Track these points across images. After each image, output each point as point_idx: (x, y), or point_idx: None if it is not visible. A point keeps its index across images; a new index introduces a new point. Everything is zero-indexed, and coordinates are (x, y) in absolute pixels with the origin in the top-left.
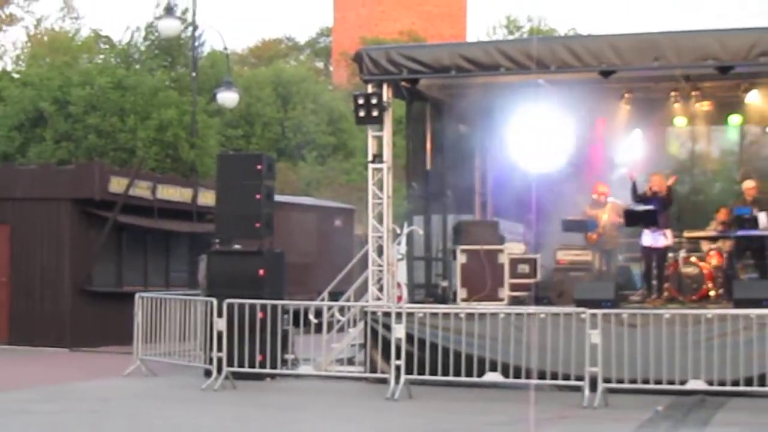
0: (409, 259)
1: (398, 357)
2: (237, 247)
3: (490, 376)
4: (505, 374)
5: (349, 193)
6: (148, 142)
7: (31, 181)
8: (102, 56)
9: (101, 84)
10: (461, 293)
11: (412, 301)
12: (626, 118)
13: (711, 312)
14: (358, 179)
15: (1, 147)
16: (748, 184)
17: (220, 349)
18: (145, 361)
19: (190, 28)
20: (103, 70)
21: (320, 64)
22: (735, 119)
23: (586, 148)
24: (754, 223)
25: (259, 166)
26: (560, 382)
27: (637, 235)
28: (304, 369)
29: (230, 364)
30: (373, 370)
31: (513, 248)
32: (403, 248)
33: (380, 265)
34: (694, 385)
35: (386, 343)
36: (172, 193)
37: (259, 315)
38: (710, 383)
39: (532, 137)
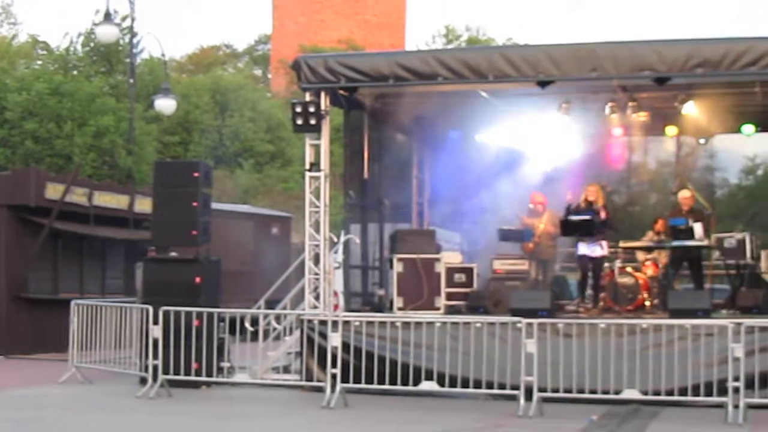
0: (345, 267)
1: (334, 365)
2: (173, 254)
3: (426, 385)
4: (441, 383)
5: (286, 201)
6: (85, 148)
7: None
8: (40, 62)
9: (38, 90)
10: (397, 302)
11: (348, 309)
12: (564, 129)
13: (646, 322)
14: (295, 187)
15: None
16: (684, 194)
17: (155, 357)
18: (80, 368)
19: (129, 35)
20: (41, 75)
21: (258, 72)
22: (671, 130)
23: (523, 158)
24: (689, 233)
25: (196, 174)
26: (496, 391)
27: (574, 244)
28: (239, 377)
29: (166, 371)
30: (309, 378)
31: (450, 257)
32: (339, 257)
33: (317, 274)
34: (628, 394)
35: (322, 352)
36: (109, 200)
37: (195, 323)
38: (645, 393)
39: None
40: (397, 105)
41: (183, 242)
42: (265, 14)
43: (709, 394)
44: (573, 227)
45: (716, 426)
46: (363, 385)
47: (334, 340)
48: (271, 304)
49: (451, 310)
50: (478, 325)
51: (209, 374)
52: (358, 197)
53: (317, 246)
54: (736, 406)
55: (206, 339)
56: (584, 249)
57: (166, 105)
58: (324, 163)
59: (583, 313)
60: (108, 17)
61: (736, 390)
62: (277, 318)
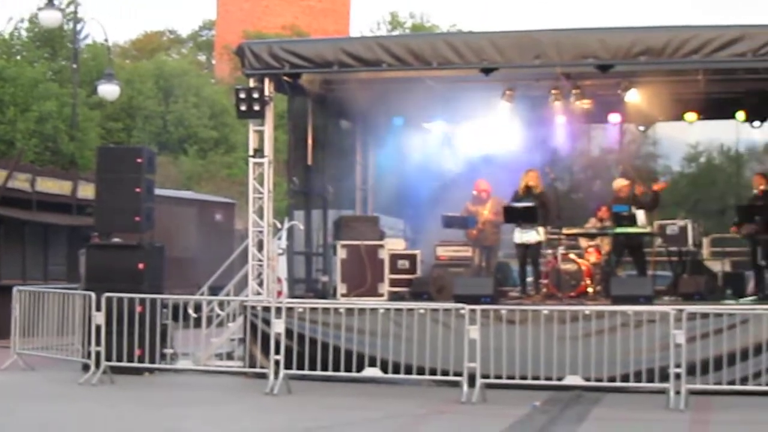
0: (289, 254)
1: (277, 352)
2: (116, 240)
3: (370, 372)
4: (384, 370)
5: (230, 188)
6: (27, 134)
7: None
8: None
9: None
10: (341, 288)
11: (292, 296)
12: (508, 116)
13: (589, 308)
14: (239, 174)
15: None
16: (620, 183)
17: (98, 344)
18: (22, 355)
19: (73, 20)
20: None
21: (203, 58)
22: (615, 117)
23: (467, 145)
24: (632, 220)
25: (139, 160)
26: (439, 377)
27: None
28: (183, 363)
29: (109, 358)
30: (253, 364)
31: (393, 244)
32: (283, 243)
33: (260, 260)
34: (571, 380)
35: (266, 338)
36: (52, 186)
37: (138, 309)
38: (587, 379)
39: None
40: (341, 91)
41: (126, 228)
42: (210, 0)
43: (651, 380)
44: (515, 214)
45: (658, 412)
46: (306, 372)
47: (278, 326)
48: (214, 291)
49: (394, 297)
50: (422, 311)
51: (152, 361)
52: (301, 183)
53: (261, 232)
54: (678, 392)
55: (149, 325)
56: (518, 236)
57: (109, 91)
58: (268, 149)
59: (526, 300)
60: (51, 2)
61: (678, 376)
62: (221, 304)
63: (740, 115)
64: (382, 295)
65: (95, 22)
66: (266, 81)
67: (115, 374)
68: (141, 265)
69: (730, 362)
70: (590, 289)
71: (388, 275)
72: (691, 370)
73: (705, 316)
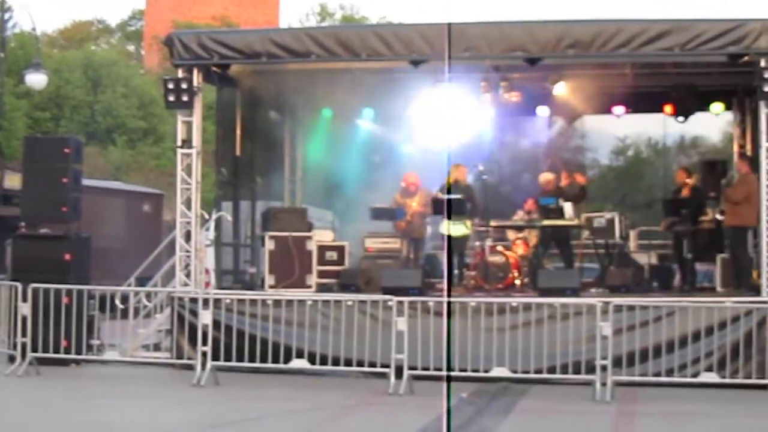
0: (217, 245)
1: (205, 343)
2: (43, 231)
3: (297, 363)
4: (312, 361)
5: (158, 178)
6: None
7: None
8: None
9: None
10: (269, 280)
11: (219, 287)
12: (436, 108)
13: (516, 300)
14: (168, 164)
15: None
16: (547, 176)
17: (24, 335)
18: None
19: (0, 9)
20: None
21: (132, 48)
22: (543, 110)
23: (396, 137)
24: (559, 213)
25: (66, 150)
26: (366, 369)
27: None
28: (109, 355)
29: (35, 349)
30: (180, 356)
31: (321, 235)
32: (211, 234)
33: (188, 251)
34: (498, 372)
35: (193, 329)
36: None
37: (65, 300)
38: (514, 371)
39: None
40: (270, 83)
41: (53, 219)
42: None
43: (577, 372)
44: (442, 206)
45: (584, 403)
46: (234, 363)
47: (205, 317)
48: (141, 282)
49: (322, 288)
50: (350, 303)
51: (78, 352)
52: (230, 175)
53: (188, 223)
54: (604, 384)
55: (76, 316)
56: (446, 228)
57: (37, 80)
58: (196, 140)
59: (454, 292)
60: None
61: (604, 368)
62: (148, 295)
63: (668, 108)
64: (310, 287)
65: (23, 11)
66: (195, 71)
67: (41, 365)
68: (68, 256)
69: (656, 354)
70: (518, 282)
71: (316, 267)
72: (617, 362)
73: (631, 308)
